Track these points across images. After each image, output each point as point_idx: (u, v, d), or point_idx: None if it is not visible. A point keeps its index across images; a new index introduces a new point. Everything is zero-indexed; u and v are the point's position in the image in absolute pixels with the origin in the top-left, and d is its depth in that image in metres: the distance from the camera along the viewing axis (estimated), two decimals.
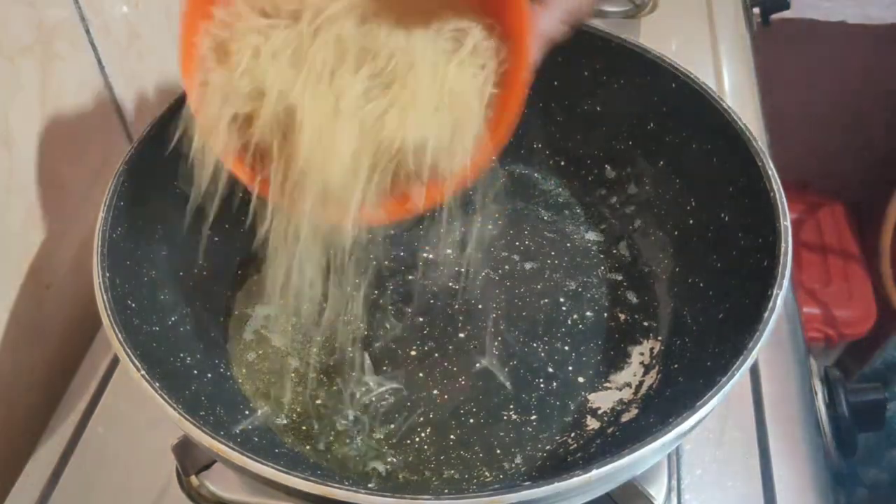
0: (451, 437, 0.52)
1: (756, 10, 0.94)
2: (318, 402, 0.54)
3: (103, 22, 0.62)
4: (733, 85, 0.79)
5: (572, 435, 0.52)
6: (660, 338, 0.56)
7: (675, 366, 0.53)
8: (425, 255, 0.62)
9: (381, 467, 0.50)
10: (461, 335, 0.57)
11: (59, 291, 0.60)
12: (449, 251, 0.61)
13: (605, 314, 0.58)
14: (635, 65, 0.60)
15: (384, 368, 0.55)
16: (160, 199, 0.55)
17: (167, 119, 0.55)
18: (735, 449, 0.53)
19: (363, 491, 0.37)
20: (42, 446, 0.55)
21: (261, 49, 0.44)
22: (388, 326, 0.58)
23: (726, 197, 0.55)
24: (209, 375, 0.53)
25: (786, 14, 0.98)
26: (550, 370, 0.55)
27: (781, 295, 0.45)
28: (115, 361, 0.59)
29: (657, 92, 0.59)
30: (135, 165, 0.52)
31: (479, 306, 0.59)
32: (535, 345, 0.57)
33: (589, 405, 0.53)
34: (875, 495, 0.70)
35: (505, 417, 0.53)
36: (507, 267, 0.62)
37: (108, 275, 0.46)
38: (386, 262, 0.61)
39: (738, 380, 0.41)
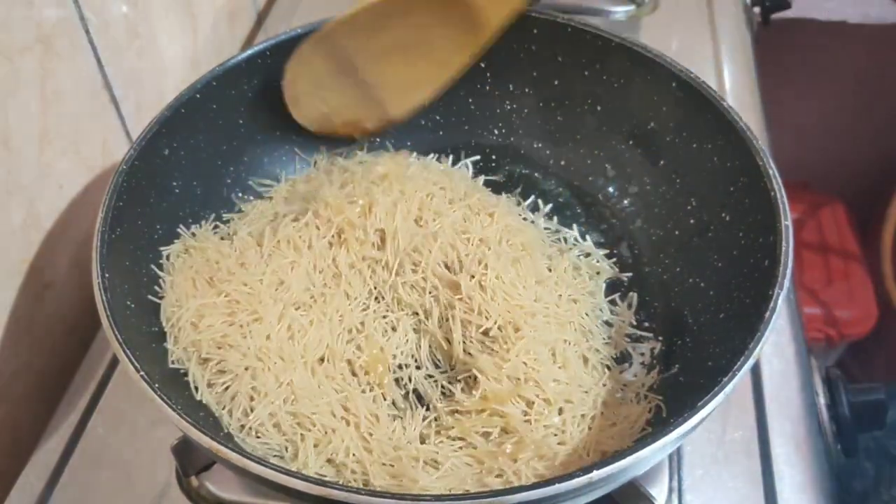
0: None
1: (757, 10, 0.94)
2: None
3: (102, 21, 0.61)
4: (734, 84, 0.79)
5: None
6: (660, 338, 0.56)
7: (676, 366, 0.53)
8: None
9: None
10: None
11: (58, 291, 0.60)
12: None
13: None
14: (635, 65, 0.60)
15: None
16: (160, 199, 0.55)
17: (167, 119, 0.55)
18: (736, 449, 0.53)
19: (363, 491, 0.37)
20: (42, 446, 0.55)
21: None
22: None
23: (727, 197, 0.55)
24: None
25: (786, 14, 0.98)
26: None
27: (782, 295, 0.45)
28: (115, 361, 0.59)
29: (657, 92, 0.59)
30: (134, 165, 0.52)
31: None
32: None
33: None
34: None
35: None
36: None
37: (107, 275, 0.46)
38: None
39: (740, 380, 0.41)
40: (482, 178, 0.66)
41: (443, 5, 0.54)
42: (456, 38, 0.56)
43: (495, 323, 0.52)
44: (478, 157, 0.67)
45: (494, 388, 0.49)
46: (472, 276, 0.53)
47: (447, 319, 0.53)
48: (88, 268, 0.46)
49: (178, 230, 0.57)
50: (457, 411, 0.50)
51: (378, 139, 0.67)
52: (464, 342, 0.52)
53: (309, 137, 0.65)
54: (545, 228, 0.62)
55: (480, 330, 0.52)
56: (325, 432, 0.48)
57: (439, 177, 0.61)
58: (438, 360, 0.54)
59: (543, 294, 0.54)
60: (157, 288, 0.53)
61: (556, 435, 0.49)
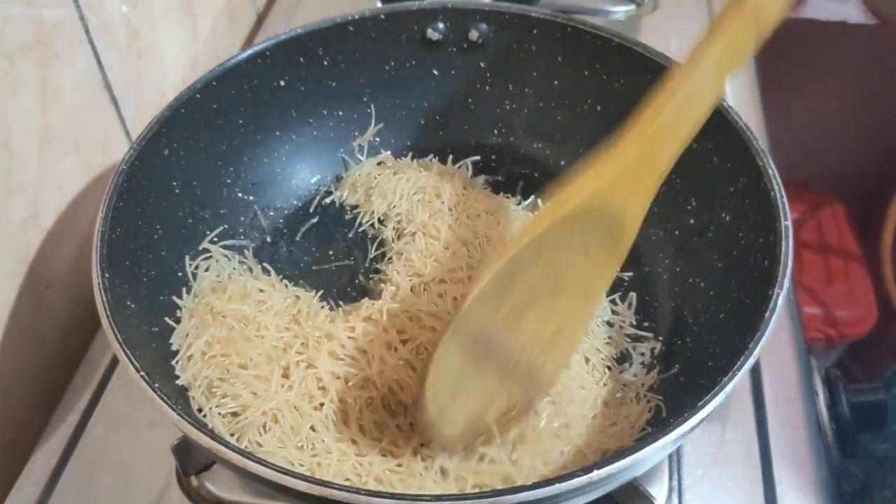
0: None
1: None
2: None
3: (102, 21, 0.61)
4: (734, 84, 0.79)
5: None
6: (660, 338, 0.56)
7: (676, 366, 0.53)
8: None
9: None
10: None
11: (58, 291, 0.60)
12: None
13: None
14: (635, 65, 0.60)
15: None
16: (160, 199, 0.55)
17: (167, 119, 0.55)
18: (736, 449, 0.53)
19: (363, 491, 0.37)
20: (42, 446, 0.54)
21: None
22: None
23: (727, 197, 0.55)
24: None
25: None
26: None
27: (782, 295, 0.45)
28: (115, 361, 0.59)
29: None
30: (134, 165, 0.52)
31: None
32: None
33: None
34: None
35: None
36: None
37: (107, 275, 0.46)
38: None
39: (740, 380, 0.41)
40: (482, 178, 0.66)
41: (575, 229, 0.43)
42: (596, 257, 0.46)
43: None
44: (478, 157, 0.67)
45: None
46: None
47: None
48: (88, 268, 0.46)
49: (201, 245, 0.58)
50: None
51: (378, 139, 0.67)
52: None
53: (310, 138, 0.65)
54: None
55: None
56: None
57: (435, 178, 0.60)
58: None
59: None
60: (157, 289, 0.53)
61: (557, 435, 0.49)
